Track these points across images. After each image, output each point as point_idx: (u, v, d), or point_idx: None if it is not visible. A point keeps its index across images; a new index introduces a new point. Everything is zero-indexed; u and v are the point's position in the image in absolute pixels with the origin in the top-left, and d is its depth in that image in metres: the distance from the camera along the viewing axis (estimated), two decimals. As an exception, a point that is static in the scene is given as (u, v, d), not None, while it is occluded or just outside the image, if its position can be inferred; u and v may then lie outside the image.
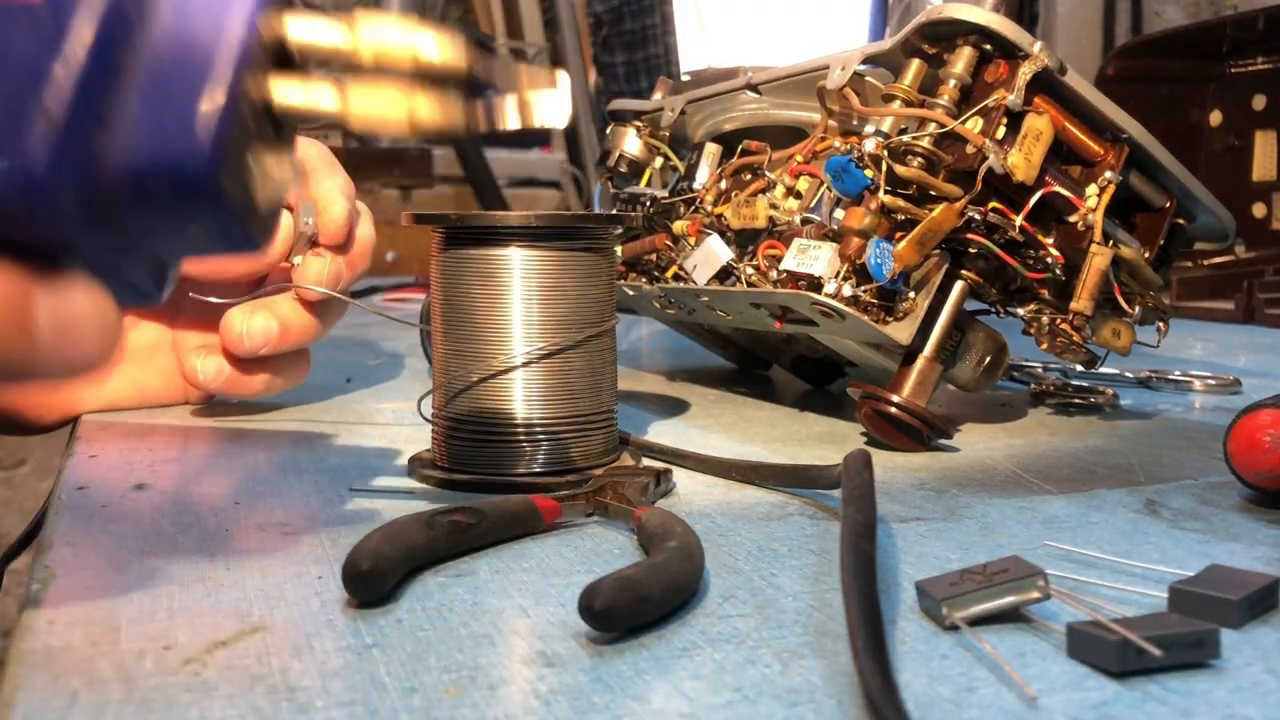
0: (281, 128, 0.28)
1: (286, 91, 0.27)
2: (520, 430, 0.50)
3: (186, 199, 0.24)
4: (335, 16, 0.27)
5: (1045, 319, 0.61)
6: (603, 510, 0.45)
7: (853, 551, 0.34)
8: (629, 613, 0.33)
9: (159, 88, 0.24)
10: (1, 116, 0.23)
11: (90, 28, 0.23)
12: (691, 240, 0.71)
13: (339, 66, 0.27)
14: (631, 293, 0.74)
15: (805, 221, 0.63)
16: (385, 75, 0.27)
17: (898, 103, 0.59)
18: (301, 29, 0.27)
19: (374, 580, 0.36)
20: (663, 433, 0.63)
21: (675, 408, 0.72)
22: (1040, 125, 0.56)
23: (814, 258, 0.59)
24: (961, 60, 0.57)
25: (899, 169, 0.56)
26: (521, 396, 0.50)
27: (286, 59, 0.27)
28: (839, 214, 0.61)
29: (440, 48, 0.27)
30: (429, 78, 0.27)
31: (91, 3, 0.23)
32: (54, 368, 0.28)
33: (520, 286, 0.49)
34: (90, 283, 0.27)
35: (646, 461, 0.54)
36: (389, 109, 0.27)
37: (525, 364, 0.49)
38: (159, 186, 0.24)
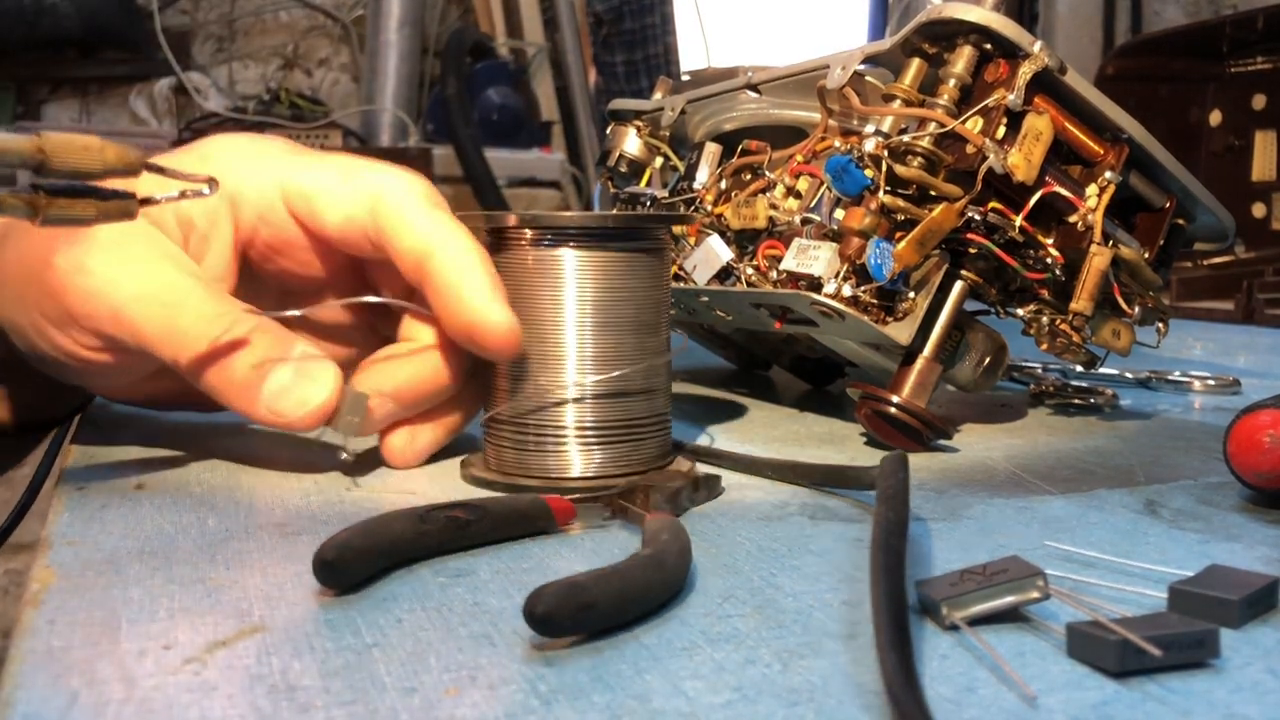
0: None
1: None
2: (573, 434, 0.49)
3: None
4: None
5: (1045, 319, 0.61)
6: (621, 514, 0.45)
7: (884, 550, 0.35)
8: (572, 620, 0.32)
9: None
10: None
11: None
12: (691, 240, 0.71)
13: None
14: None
15: (805, 221, 0.63)
16: None
17: (898, 102, 0.59)
18: None
19: (339, 572, 0.36)
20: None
21: (674, 407, 0.71)
22: (1040, 125, 0.56)
23: (814, 258, 0.59)
24: (961, 60, 0.57)
25: (899, 169, 0.56)
26: (574, 401, 0.49)
27: None
28: (839, 214, 0.61)
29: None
30: None
31: None
32: None
33: (575, 289, 0.49)
34: None
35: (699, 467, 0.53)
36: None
37: (589, 385, 0.49)
38: None
